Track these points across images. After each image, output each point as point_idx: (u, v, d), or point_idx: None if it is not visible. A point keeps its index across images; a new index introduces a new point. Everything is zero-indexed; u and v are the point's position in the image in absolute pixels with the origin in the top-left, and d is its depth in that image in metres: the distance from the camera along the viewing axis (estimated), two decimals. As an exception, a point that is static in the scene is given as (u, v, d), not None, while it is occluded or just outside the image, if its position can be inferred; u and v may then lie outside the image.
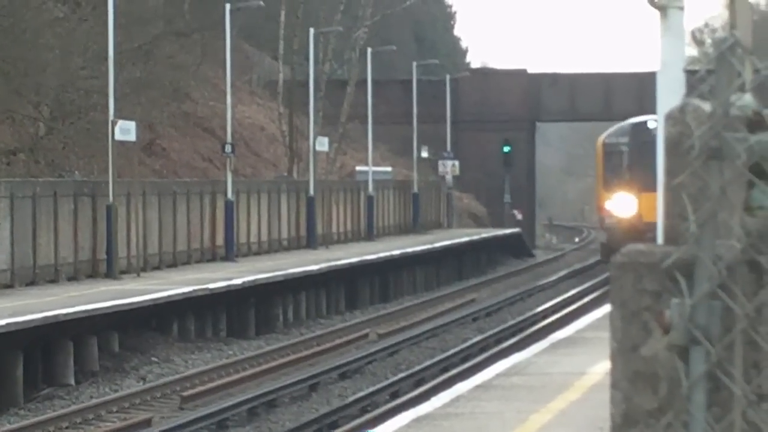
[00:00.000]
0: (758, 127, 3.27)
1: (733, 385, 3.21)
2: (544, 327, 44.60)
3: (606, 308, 26.59)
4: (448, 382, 29.24)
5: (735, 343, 3.22)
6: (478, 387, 19.67)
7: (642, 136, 59.51)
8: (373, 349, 39.51)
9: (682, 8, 8.59)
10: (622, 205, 61.09)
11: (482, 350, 39.78)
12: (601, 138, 65.79)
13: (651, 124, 57.09)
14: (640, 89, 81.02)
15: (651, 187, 59.14)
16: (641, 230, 54.91)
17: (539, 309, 51.92)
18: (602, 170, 64.16)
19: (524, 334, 43.62)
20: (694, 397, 3.23)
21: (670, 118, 3.26)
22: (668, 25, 8.53)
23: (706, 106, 3.24)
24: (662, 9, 8.43)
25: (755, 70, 3.42)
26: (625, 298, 3.24)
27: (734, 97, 3.24)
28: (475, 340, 41.82)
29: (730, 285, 3.21)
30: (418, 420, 16.73)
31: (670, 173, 3.27)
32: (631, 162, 61.68)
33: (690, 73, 8.05)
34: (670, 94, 8.70)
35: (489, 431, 15.61)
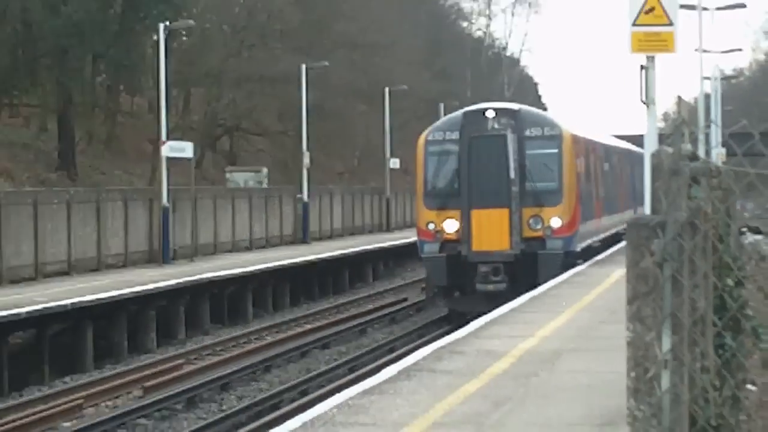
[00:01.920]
0: (694, 159, 5.02)
1: (683, 280, 4.89)
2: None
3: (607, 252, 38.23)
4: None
5: (684, 261, 4.89)
6: (561, 282, 29.25)
7: (478, 129, 32.13)
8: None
9: (655, 104, 11.21)
10: (447, 226, 32.02)
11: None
12: (423, 134, 33.70)
13: (490, 114, 32.34)
14: (639, 144, 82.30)
15: (489, 200, 31.66)
16: (471, 262, 31.59)
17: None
18: (422, 178, 33.00)
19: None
20: (665, 287, 4.86)
21: (653, 156, 5.02)
22: (650, 111, 11.16)
23: (669, 150, 4.98)
24: (647, 104, 11.19)
25: (691, 132, 5.22)
26: (633, 239, 4.94)
27: (682, 146, 4.99)
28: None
29: (682, 233, 4.92)
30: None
31: (653, 181, 5.02)
32: (462, 166, 32.02)
33: (661, 135, 10.96)
34: (651, 146, 11.31)
35: (566, 299, 24.24)
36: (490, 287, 31.06)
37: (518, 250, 31.64)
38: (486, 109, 32.83)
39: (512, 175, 31.80)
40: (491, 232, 31.68)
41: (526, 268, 31.41)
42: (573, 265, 33.62)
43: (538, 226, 32.03)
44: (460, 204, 31.89)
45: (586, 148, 36.90)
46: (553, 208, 32.15)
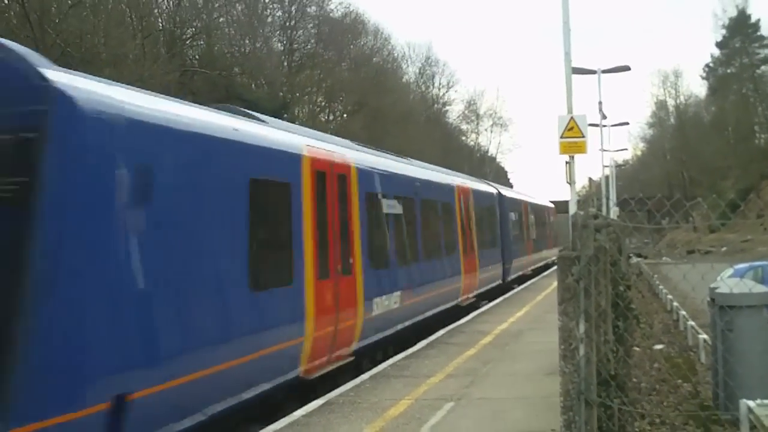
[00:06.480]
0: (596, 218, 8.27)
1: (591, 290, 8.15)
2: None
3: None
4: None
5: (592, 279, 8.17)
6: (522, 288, 40.83)
7: None
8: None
9: (575, 183, 15.71)
10: None
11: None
12: None
13: None
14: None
15: None
16: None
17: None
18: None
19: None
20: (580, 294, 8.16)
21: (572, 217, 8.28)
22: (572, 188, 16.19)
23: (582, 213, 8.26)
24: (570, 183, 15.38)
25: (598, 199, 8.54)
26: (561, 265, 8.19)
27: (590, 209, 8.26)
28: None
29: (588, 263, 8.17)
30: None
31: (572, 231, 8.28)
32: None
33: (579, 203, 15.45)
34: (572, 210, 15.70)
35: (525, 300, 34.89)
36: None
37: None
38: None
39: None
40: None
41: None
42: None
43: None
44: None
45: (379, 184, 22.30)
46: None
